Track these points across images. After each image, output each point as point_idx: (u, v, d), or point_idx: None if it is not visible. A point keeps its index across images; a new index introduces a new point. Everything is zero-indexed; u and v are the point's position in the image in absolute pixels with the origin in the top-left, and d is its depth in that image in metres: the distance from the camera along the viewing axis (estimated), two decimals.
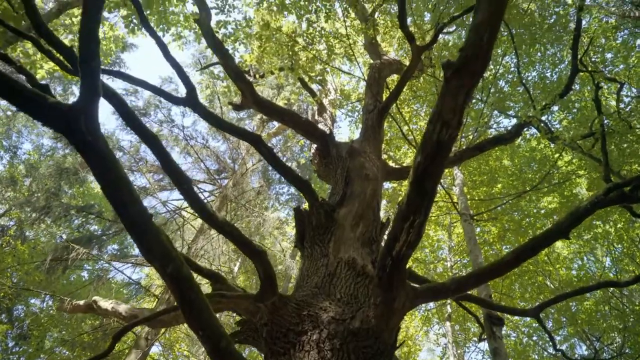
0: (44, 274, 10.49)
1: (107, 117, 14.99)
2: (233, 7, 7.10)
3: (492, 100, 7.12)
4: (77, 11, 8.45)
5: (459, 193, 8.21)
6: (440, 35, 8.44)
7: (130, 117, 3.41)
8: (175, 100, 4.85)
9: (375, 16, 8.92)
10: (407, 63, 9.39)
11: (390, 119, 8.25)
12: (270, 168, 13.91)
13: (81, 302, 6.04)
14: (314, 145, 7.07)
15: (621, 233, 9.87)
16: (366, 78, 7.79)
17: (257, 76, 7.94)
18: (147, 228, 2.47)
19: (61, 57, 3.42)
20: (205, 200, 12.10)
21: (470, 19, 4.18)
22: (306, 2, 7.16)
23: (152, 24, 7.69)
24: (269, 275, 3.96)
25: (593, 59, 8.84)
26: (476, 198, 9.91)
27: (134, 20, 7.50)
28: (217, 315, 4.13)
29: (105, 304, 5.94)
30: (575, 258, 13.70)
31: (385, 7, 8.79)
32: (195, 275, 4.02)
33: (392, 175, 6.79)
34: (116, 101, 3.33)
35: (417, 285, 3.85)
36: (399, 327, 3.85)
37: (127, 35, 20.64)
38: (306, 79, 8.29)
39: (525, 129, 7.55)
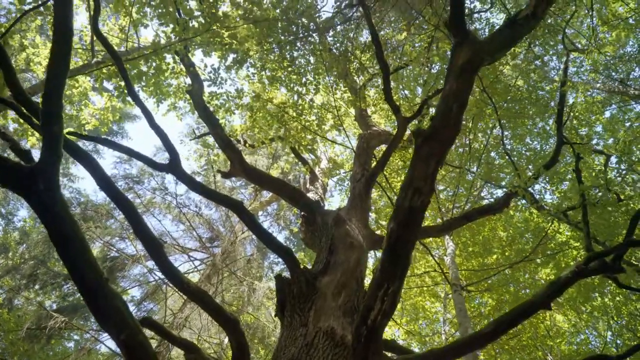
0: (28, 343, 10.17)
1: (80, 177, 15.08)
2: (225, 80, 7.36)
3: (482, 171, 7.19)
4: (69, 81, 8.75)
5: (450, 263, 8.10)
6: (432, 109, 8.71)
7: (104, 181, 3.44)
8: (158, 167, 4.90)
9: (366, 88, 9.23)
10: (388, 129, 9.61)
11: (381, 189, 8.31)
12: None
13: None
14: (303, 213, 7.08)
15: (619, 306, 9.62)
16: (355, 148, 7.93)
17: (247, 145, 8.08)
18: (100, 293, 2.41)
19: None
20: (197, 269, 11.98)
21: None
22: (297, 76, 7.42)
23: (146, 94, 8.00)
24: (241, 345, 3.86)
25: (582, 132, 9.00)
26: (469, 269, 9.77)
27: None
28: None
29: None
30: (577, 332, 13.28)
31: (375, 81, 9.09)
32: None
33: (379, 244, 6.71)
34: (89, 165, 3.37)
35: (394, 356, 3.72)
36: None
37: (126, 106, 21.30)
38: (299, 149, 8.43)
39: (516, 199, 7.57)
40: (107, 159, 15.23)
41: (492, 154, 8.82)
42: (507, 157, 6.89)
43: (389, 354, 4.16)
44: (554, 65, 10.98)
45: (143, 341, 2.55)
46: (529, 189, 7.06)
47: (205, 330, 11.58)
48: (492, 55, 3.59)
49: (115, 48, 7.36)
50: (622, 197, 7.56)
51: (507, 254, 9.03)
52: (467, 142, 8.40)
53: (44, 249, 10.21)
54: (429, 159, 3.29)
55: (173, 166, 4.92)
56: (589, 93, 10.64)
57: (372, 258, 9.94)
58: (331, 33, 7.63)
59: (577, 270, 3.89)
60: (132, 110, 21.47)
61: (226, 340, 13.10)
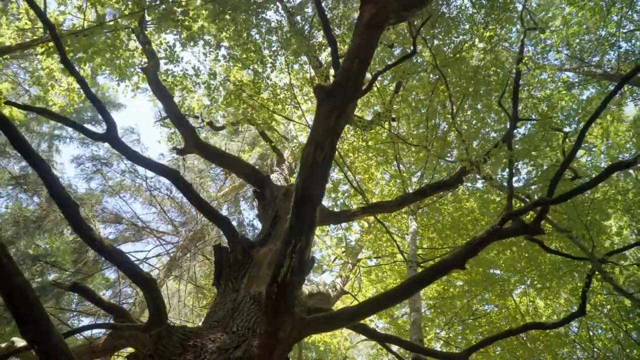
0: None
1: (67, 165, 15.13)
2: (181, 58, 7.38)
3: (435, 149, 7.23)
4: None
5: (410, 241, 8.15)
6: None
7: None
8: (94, 136, 4.91)
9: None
10: (357, 113, 9.64)
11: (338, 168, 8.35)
12: (238, 221, 13.90)
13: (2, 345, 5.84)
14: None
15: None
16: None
17: (206, 123, 8.09)
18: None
19: None
20: (168, 252, 12.00)
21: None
22: (254, 54, 7.43)
23: (106, 73, 8.02)
24: (158, 305, 3.88)
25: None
26: (429, 247, 9.86)
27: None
28: None
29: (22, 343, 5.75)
30: (553, 314, 13.37)
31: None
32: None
33: (330, 219, 6.77)
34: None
35: (305, 315, 3.75)
36: (287, 357, 3.71)
37: (116, 94, 21.11)
38: (260, 130, 8.44)
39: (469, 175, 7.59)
40: (74, 142, 15.14)
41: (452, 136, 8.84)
42: (457, 132, 6.91)
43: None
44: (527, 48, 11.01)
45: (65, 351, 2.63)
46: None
47: (182, 314, 11.68)
48: (398, 13, 3.60)
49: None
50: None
51: (471, 233, 9.08)
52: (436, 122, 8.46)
53: (14, 231, 10.23)
54: (330, 114, 3.32)
55: (109, 135, 4.94)
56: (559, 75, 10.67)
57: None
58: (286, 9, 7.63)
59: (491, 230, 3.91)
60: (117, 99, 21.49)
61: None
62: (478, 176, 7.06)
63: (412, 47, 6.13)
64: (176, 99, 7.83)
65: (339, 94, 3.32)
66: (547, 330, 11.45)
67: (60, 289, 5.19)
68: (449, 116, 8.37)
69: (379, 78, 10.04)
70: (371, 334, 5.22)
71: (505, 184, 7.99)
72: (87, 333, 6.02)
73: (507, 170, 5.76)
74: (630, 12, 10.95)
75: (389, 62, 8.48)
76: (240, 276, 4.88)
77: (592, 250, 5.07)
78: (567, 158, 4.02)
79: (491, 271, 11.07)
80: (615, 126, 8.40)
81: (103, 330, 5.38)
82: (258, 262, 5.06)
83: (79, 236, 3.69)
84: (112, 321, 4.26)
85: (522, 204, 6.66)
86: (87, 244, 3.72)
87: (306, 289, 7.21)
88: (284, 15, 8.02)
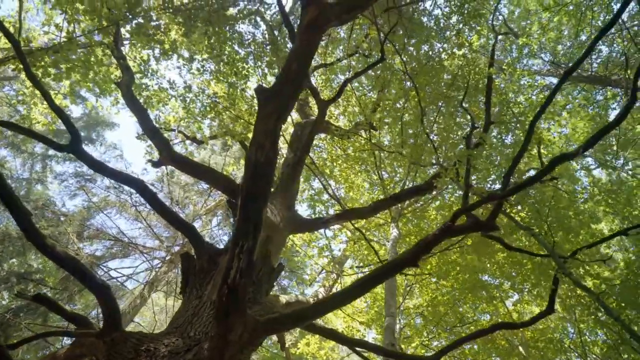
0: None
1: (50, 182, 15.17)
2: (155, 71, 7.48)
3: (408, 154, 7.27)
4: None
5: (391, 248, 8.15)
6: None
7: None
8: (58, 147, 4.97)
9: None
10: (336, 123, 9.70)
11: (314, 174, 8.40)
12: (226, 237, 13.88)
13: None
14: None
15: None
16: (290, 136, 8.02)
17: (183, 135, 8.16)
18: None
19: None
20: (154, 269, 11.99)
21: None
22: (227, 66, 7.52)
23: (83, 88, 8.12)
24: (112, 311, 3.90)
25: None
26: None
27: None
28: None
29: None
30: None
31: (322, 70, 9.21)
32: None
33: (304, 227, 6.80)
34: None
35: (259, 318, 3.76)
36: (240, 358, 3.70)
37: (109, 114, 21.25)
38: (238, 140, 8.49)
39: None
40: (68, 161, 15.22)
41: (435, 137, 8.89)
42: (426, 135, 6.95)
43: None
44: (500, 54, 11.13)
45: None
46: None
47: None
48: (339, 16, 3.67)
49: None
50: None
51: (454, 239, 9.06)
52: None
53: None
54: (270, 115, 3.37)
55: (73, 146, 5.00)
56: (539, 79, 10.76)
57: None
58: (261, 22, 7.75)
59: (443, 227, 3.92)
60: (111, 118, 21.64)
61: None
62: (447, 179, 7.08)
63: (384, 54, 6.25)
64: (154, 112, 7.92)
65: (278, 96, 3.38)
66: (540, 337, 11.47)
67: (25, 300, 5.21)
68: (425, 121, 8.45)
69: (363, 87, 10.18)
70: (340, 339, 5.23)
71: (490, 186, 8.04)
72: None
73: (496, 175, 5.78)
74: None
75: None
76: (205, 283, 4.89)
77: (553, 247, 5.07)
78: (518, 152, 4.05)
79: (485, 278, 11.09)
80: (573, 122, 8.44)
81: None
82: (223, 269, 5.06)
83: (29, 241, 3.73)
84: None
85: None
86: (39, 251, 3.76)
87: (283, 298, 7.18)
88: (261, 27, 8.13)
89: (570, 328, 13.53)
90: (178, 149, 10.89)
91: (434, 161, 6.85)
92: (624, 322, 4.86)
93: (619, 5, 10.56)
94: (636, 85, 3.36)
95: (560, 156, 3.58)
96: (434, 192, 7.93)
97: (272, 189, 7.08)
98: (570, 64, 12.05)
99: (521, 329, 10.93)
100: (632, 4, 11.37)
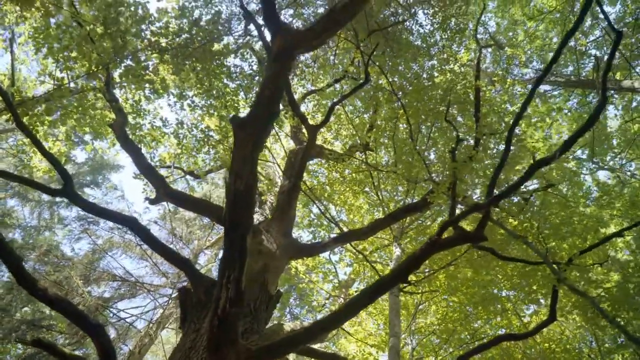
0: None
1: (57, 227, 15.29)
2: (148, 111, 7.63)
3: (401, 171, 7.29)
4: None
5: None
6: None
7: None
8: (51, 192, 5.06)
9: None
10: (329, 147, 9.77)
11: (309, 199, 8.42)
12: None
13: None
14: None
15: None
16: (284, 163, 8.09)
17: (179, 170, 8.26)
18: None
19: None
20: (164, 306, 11.96)
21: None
22: (218, 100, 7.65)
23: (80, 133, 8.26)
24: (107, 350, 3.90)
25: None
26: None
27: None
28: None
29: None
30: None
31: (313, 97, 9.34)
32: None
33: (303, 252, 6.80)
34: None
35: (251, 346, 3.74)
36: None
37: (113, 157, 21.47)
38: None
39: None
40: (61, 202, 15.39)
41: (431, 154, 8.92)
42: (417, 153, 6.98)
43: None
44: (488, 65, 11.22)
45: None
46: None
47: None
48: (310, 42, 3.75)
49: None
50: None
51: (457, 253, 9.01)
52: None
53: (7, 298, 10.28)
54: (246, 143, 3.43)
55: (66, 190, 5.08)
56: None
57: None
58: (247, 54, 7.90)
59: (429, 242, 3.92)
60: (115, 160, 21.92)
61: None
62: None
63: (368, 76, 6.34)
64: (150, 151, 8.03)
65: (253, 123, 3.44)
66: (555, 347, 11.22)
67: (26, 345, 5.22)
68: (420, 139, 8.49)
69: (358, 109, 10.28)
70: (317, 355, 5.24)
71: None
72: None
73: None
74: (594, 21, 11.15)
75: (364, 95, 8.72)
76: (203, 316, 4.88)
77: (546, 254, 5.02)
78: (501, 160, 4.06)
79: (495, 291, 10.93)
80: (556, 127, 8.45)
81: None
82: None
83: (19, 285, 3.77)
84: None
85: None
86: (30, 294, 3.79)
87: (288, 326, 7.15)
88: (251, 59, 8.27)
89: (590, 337, 13.25)
90: (180, 184, 11.04)
91: (426, 177, 6.85)
92: (619, 325, 4.77)
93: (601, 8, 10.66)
94: (605, 86, 3.39)
95: (538, 162, 3.60)
96: (431, 208, 7.90)
97: (270, 217, 7.13)
98: (562, 70, 12.16)
99: (535, 340, 10.72)
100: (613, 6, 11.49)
